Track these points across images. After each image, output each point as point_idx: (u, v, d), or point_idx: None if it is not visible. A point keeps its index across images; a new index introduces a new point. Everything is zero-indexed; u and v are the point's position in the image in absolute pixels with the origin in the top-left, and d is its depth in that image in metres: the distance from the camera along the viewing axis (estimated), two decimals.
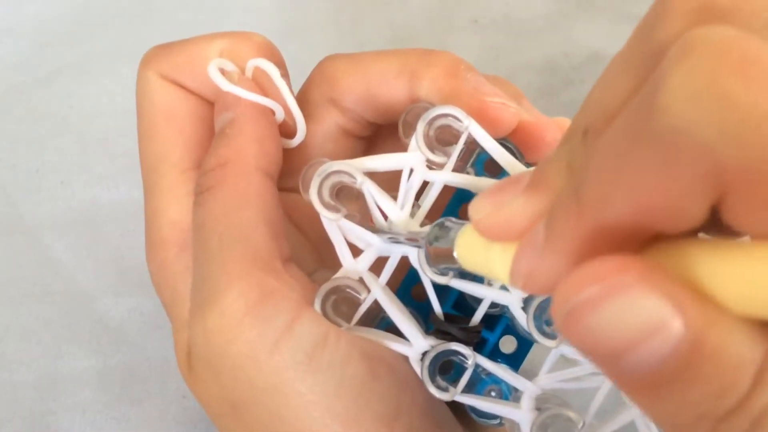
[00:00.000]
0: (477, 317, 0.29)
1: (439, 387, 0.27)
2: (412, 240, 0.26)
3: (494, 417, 0.30)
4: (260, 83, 0.30)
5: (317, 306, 0.27)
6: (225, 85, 0.28)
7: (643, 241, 0.16)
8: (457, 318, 0.29)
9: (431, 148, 0.27)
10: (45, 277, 0.40)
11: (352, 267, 0.28)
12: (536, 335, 0.27)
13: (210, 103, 0.30)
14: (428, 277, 0.26)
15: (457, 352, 0.27)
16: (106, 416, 0.38)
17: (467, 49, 0.50)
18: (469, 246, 0.24)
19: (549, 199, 0.19)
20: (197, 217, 0.27)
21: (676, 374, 0.15)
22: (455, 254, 0.24)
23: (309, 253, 0.31)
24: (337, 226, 0.27)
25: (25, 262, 0.41)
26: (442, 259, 0.24)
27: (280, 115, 0.29)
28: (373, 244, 0.27)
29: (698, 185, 0.15)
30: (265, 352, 0.25)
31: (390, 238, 0.27)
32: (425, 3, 0.51)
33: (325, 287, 0.27)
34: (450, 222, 0.25)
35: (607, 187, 0.16)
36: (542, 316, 0.27)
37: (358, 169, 0.27)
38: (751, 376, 0.15)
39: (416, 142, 0.27)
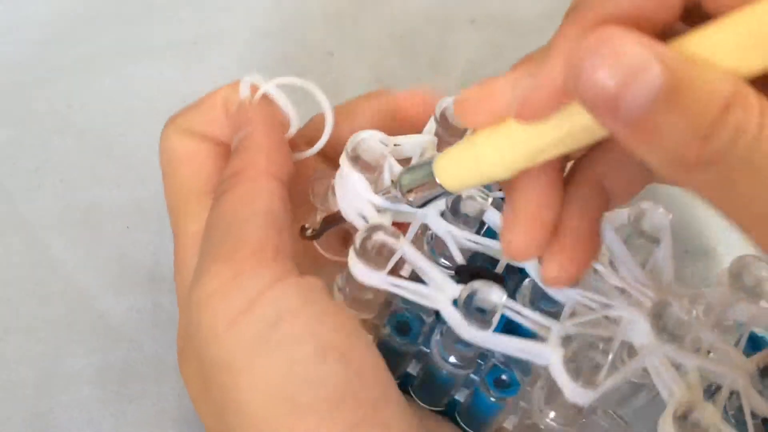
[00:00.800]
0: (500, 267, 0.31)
1: (476, 323, 0.27)
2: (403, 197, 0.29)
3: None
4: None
5: (357, 242, 0.28)
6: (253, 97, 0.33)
7: None
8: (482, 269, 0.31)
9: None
10: (44, 276, 0.41)
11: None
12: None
13: (223, 144, 0.34)
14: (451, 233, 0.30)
15: (489, 291, 0.28)
16: (104, 413, 0.38)
17: (466, 49, 0.50)
18: (449, 164, 0.27)
19: (533, 69, 0.24)
20: (210, 213, 0.30)
21: (663, 107, 0.20)
22: (438, 181, 0.27)
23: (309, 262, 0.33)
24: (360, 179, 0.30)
25: (24, 261, 0.41)
26: (423, 192, 0.28)
27: (293, 129, 0.33)
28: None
29: None
30: (223, 328, 0.27)
31: (387, 198, 0.29)
32: (424, 2, 0.51)
33: (365, 226, 0.29)
34: (411, 165, 0.28)
35: None
36: None
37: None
38: (724, 99, 0.20)
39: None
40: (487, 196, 0.31)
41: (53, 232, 0.42)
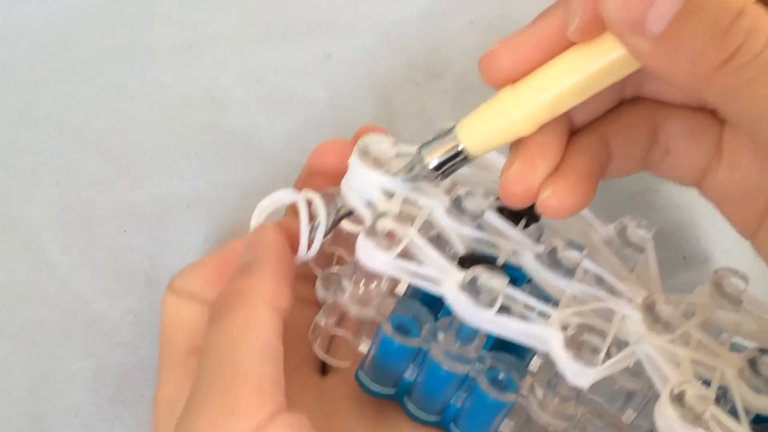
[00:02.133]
0: (499, 262, 0.32)
1: (480, 304, 0.28)
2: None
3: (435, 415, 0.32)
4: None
5: (367, 224, 0.29)
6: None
7: None
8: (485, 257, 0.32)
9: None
10: (39, 279, 0.40)
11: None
12: (551, 278, 0.31)
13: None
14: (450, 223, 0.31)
15: (492, 275, 0.29)
16: (99, 418, 0.38)
17: (463, 51, 0.50)
18: (473, 126, 0.28)
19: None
20: (206, 335, 0.30)
21: (683, 18, 0.23)
22: (461, 147, 0.28)
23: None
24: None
25: (19, 263, 0.41)
26: (448, 162, 0.29)
27: (302, 255, 0.33)
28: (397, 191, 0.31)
29: None
30: None
31: (404, 178, 0.31)
32: (422, 4, 0.51)
33: (375, 212, 0.30)
34: (432, 138, 0.29)
35: None
36: (554, 258, 0.31)
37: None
38: (737, 7, 0.23)
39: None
40: (489, 195, 0.32)
41: (49, 235, 0.42)
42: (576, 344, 0.28)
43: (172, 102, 0.46)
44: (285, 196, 0.34)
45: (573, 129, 0.30)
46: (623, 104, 0.31)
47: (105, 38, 0.47)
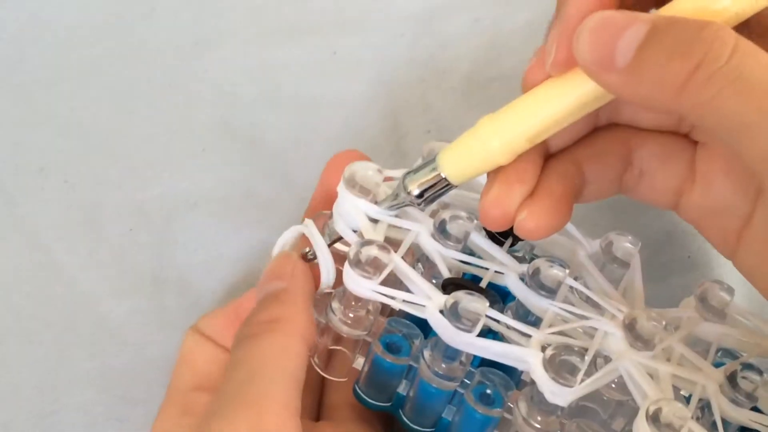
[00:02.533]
0: (483, 283, 0.33)
1: (460, 328, 0.29)
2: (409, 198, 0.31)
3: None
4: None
5: (351, 254, 0.30)
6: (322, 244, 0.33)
7: None
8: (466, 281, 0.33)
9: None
10: (46, 279, 0.40)
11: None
12: (534, 298, 0.31)
13: (224, 349, 0.35)
14: (438, 249, 0.32)
15: (472, 299, 0.30)
16: (108, 417, 0.38)
17: (469, 49, 0.50)
18: (453, 156, 0.29)
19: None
20: (237, 352, 0.30)
21: (648, 44, 0.24)
22: (443, 174, 0.29)
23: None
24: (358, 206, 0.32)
25: (26, 263, 0.41)
26: (427, 188, 0.30)
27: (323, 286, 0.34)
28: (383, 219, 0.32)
29: None
30: None
31: (389, 206, 0.32)
32: (428, 2, 0.50)
33: (359, 241, 0.31)
34: (415, 166, 0.30)
35: None
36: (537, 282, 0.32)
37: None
38: (698, 24, 0.24)
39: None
40: (473, 218, 0.33)
41: (55, 234, 0.42)
42: (554, 365, 0.29)
43: (179, 100, 0.46)
44: (299, 229, 0.34)
45: (548, 153, 0.31)
46: (598, 130, 0.32)
47: (111, 37, 0.47)
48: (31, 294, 0.40)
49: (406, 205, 0.31)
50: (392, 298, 0.31)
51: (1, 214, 0.42)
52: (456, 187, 0.30)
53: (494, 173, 0.30)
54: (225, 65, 0.47)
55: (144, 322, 0.40)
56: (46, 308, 0.40)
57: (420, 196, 0.30)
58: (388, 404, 0.34)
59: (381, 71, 0.48)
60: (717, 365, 0.33)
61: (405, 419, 0.34)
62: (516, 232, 0.30)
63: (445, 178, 0.30)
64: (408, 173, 0.31)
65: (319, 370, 0.34)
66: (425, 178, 0.30)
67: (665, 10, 0.26)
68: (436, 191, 0.30)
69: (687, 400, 0.31)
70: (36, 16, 0.47)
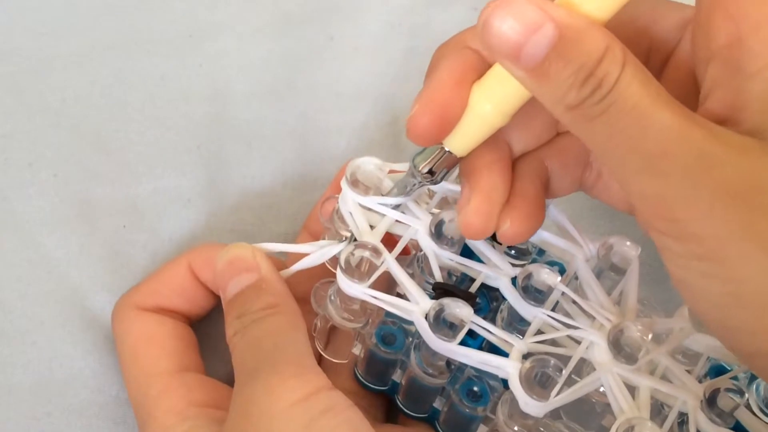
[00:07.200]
0: (474, 287, 0.34)
1: (442, 335, 0.31)
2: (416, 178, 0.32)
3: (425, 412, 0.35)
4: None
5: (342, 260, 0.32)
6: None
7: None
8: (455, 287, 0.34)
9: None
10: (38, 275, 0.40)
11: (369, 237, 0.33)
12: (522, 304, 0.33)
13: (183, 315, 0.37)
14: (433, 251, 0.33)
15: (457, 307, 0.31)
16: (103, 417, 0.38)
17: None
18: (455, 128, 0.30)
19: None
20: (250, 333, 0.32)
21: (554, 56, 0.25)
22: (447, 149, 0.31)
23: None
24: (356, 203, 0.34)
25: (16, 259, 0.40)
26: (438, 165, 0.31)
27: None
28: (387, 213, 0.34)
29: None
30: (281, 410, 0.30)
31: (406, 192, 0.33)
32: None
33: (349, 246, 0.32)
34: (417, 153, 0.32)
35: None
36: (529, 287, 0.33)
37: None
38: (600, 52, 0.25)
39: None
40: None
41: (46, 229, 0.41)
42: (529, 379, 0.30)
43: (172, 94, 0.45)
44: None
45: (515, 157, 0.33)
46: (560, 135, 0.34)
47: (103, 28, 0.46)
48: (23, 292, 0.39)
49: (420, 186, 0.33)
50: (381, 300, 0.32)
51: None
52: (462, 158, 0.31)
53: (469, 186, 0.31)
54: (220, 57, 0.46)
55: None
56: (38, 307, 0.39)
57: (430, 173, 0.31)
58: (386, 387, 0.36)
59: (378, 59, 0.48)
60: (711, 368, 0.34)
61: (401, 405, 0.36)
62: (499, 239, 0.32)
63: (449, 152, 0.31)
64: (417, 153, 0.32)
65: (321, 352, 0.35)
66: (432, 155, 0.31)
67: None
68: (443, 166, 0.31)
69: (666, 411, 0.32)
70: (25, 7, 0.46)
